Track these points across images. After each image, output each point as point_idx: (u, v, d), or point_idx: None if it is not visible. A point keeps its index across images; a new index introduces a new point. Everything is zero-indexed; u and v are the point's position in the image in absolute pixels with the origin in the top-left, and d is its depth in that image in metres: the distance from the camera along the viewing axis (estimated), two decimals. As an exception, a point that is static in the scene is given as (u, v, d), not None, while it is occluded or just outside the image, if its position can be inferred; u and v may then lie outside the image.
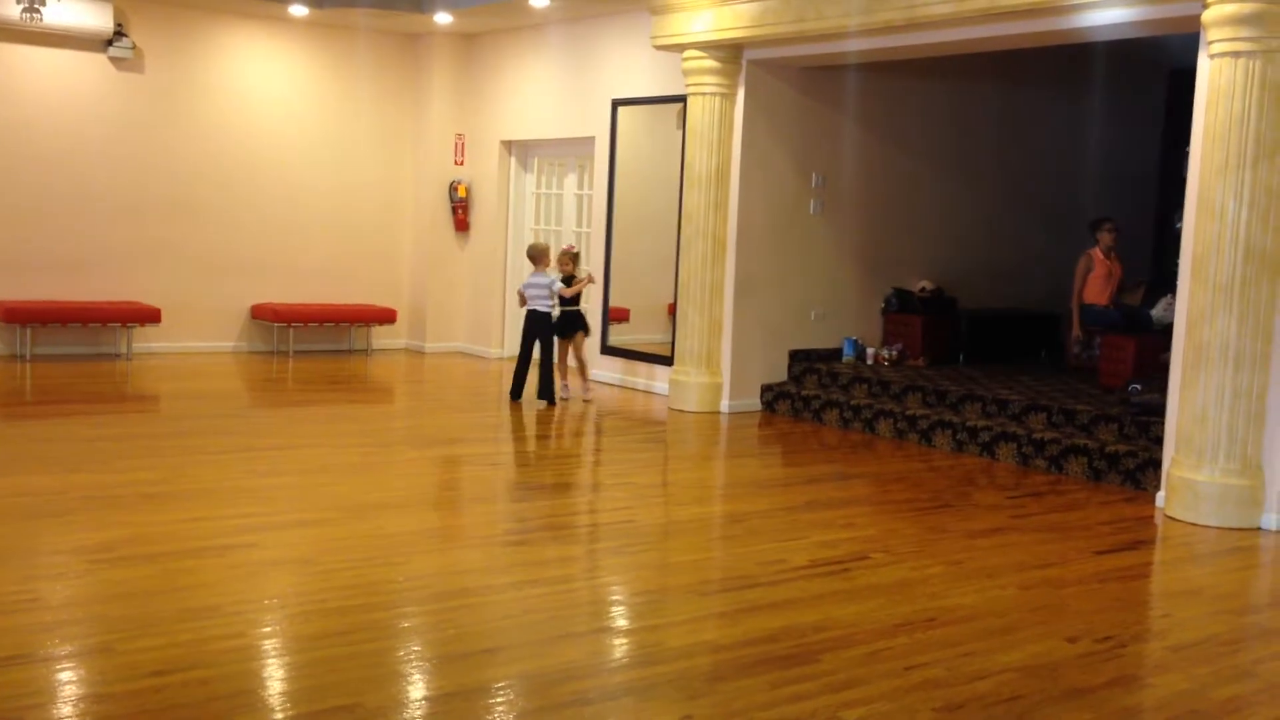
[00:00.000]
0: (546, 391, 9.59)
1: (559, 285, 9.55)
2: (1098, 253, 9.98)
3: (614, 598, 4.98)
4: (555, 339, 9.71)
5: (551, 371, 9.66)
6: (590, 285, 9.96)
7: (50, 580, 4.66)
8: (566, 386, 9.90)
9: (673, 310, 10.07)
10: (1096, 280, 9.92)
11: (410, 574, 5.01)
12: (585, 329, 9.86)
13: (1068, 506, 6.85)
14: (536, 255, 9.67)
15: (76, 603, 4.45)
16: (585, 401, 9.81)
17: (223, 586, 4.67)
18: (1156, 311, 9.27)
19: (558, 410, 9.45)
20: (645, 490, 7.15)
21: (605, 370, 10.89)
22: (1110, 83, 11.40)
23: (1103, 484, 7.42)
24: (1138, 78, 11.69)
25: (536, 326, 9.58)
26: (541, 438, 8.77)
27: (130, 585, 4.63)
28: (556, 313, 9.68)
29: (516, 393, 9.69)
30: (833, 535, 5.92)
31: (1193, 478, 6.49)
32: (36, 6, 7.53)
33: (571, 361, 9.91)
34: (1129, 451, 7.39)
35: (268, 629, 4.29)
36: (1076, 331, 9.97)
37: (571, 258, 9.81)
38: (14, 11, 9.60)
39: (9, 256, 10.68)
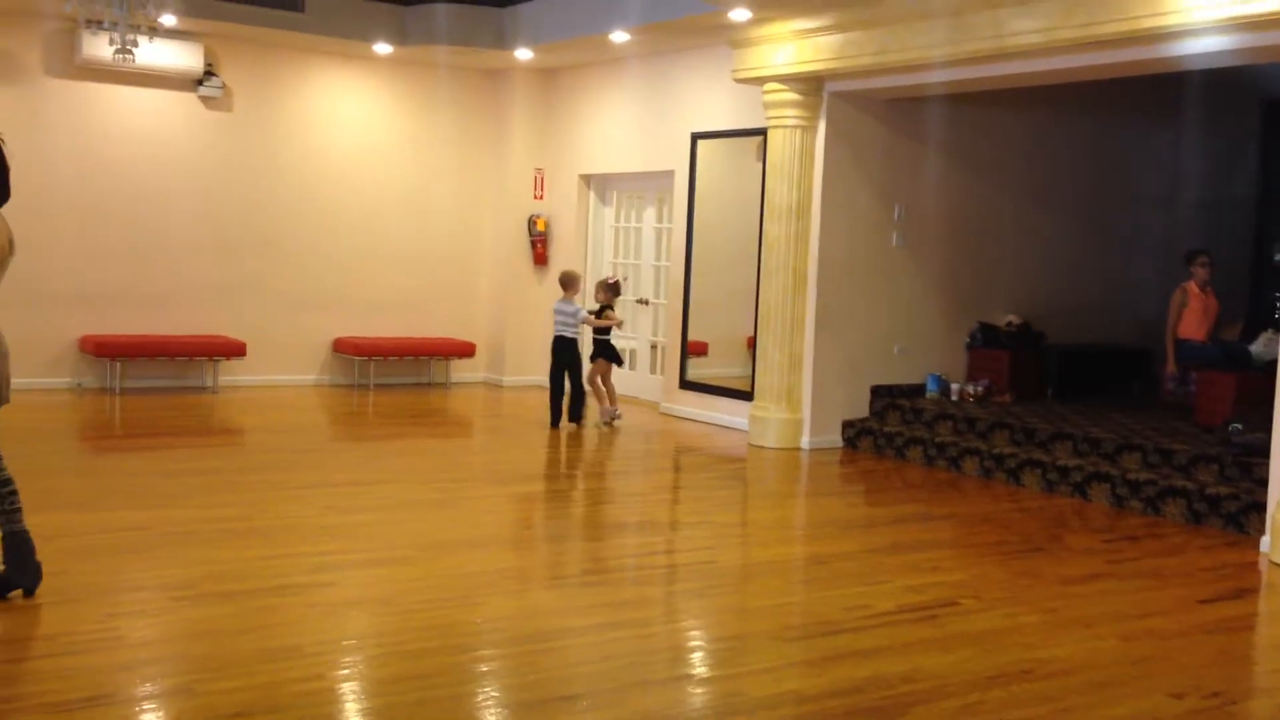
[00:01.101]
0: (576, 414, 9.88)
1: (584, 314, 9.95)
2: (1193, 286, 9.68)
3: (693, 643, 4.85)
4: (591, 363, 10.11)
5: (582, 394, 9.95)
6: (616, 325, 10.22)
7: (131, 618, 4.66)
8: (617, 413, 10.09)
9: (752, 344, 9.95)
10: (1192, 315, 9.62)
11: (488, 615, 4.94)
12: (612, 358, 10.10)
13: (1166, 551, 6.59)
14: (567, 282, 10.05)
15: (157, 641, 4.44)
16: (605, 424, 9.98)
17: (301, 626, 4.64)
18: (1256, 347, 8.95)
19: (638, 446, 9.38)
20: (725, 529, 7.03)
21: (683, 405, 10.80)
22: (1202, 112, 11.09)
23: (1203, 527, 7.14)
24: (1230, 107, 11.37)
25: (562, 352, 9.91)
26: (619, 474, 8.68)
27: (210, 624, 4.62)
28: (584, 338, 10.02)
29: (555, 420, 9.89)
30: (919, 579, 5.74)
31: (1300, 523, 6.20)
32: (129, 48, 7.66)
33: (601, 386, 10.14)
34: (1230, 494, 7.10)
35: (345, 671, 4.24)
36: (1171, 367, 9.66)
37: (607, 288, 10.08)
38: (108, 53, 9.81)
39: (101, 291, 10.90)
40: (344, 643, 4.50)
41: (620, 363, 10.38)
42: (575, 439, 9.70)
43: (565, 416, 9.90)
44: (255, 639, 4.46)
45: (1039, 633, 4.98)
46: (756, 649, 4.70)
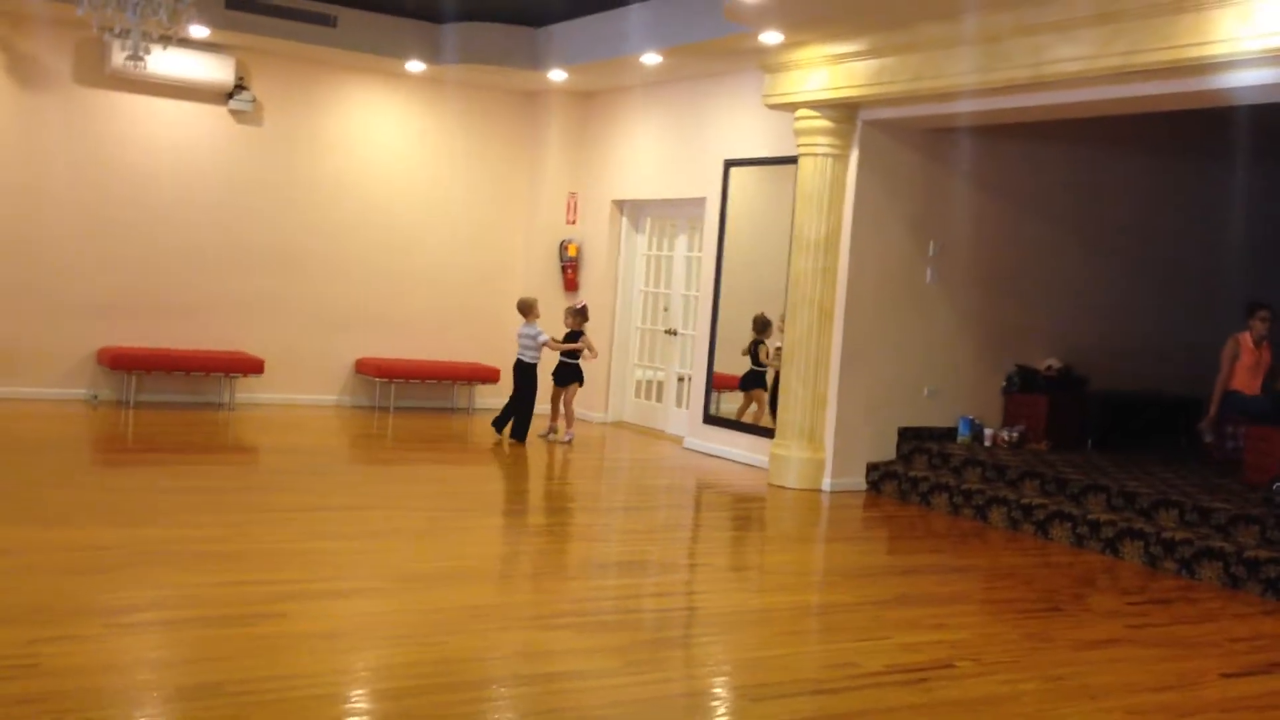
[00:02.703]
0: (518, 432, 10.21)
1: (544, 338, 10.28)
2: (1247, 338, 9.17)
3: (652, 698, 4.45)
4: (554, 384, 10.50)
5: (526, 415, 10.29)
6: (590, 356, 10.55)
7: (56, 644, 4.36)
8: (554, 429, 10.50)
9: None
10: (1244, 367, 9.11)
11: (442, 657, 4.61)
12: (580, 380, 10.49)
13: (1198, 617, 6.10)
14: (525, 308, 10.43)
15: (74, 671, 4.13)
16: (563, 443, 10.34)
17: (233, 661, 4.33)
18: (1311, 401, 8.41)
19: (654, 482, 9.03)
20: (723, 573, 6.65)
21: (707, 440, 10.42)
22: (1267, 150, 10.54)
23: (1240, 593, 6.62)
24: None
25: (520, 374, 10.32)
26: (627, 510, 8.33)
27: (136, 654, 4.34)
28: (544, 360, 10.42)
29: (499, 425, 10.40)
30: (918, 637, 5.32)
31: (1343, 594, 5.69)
32: (140, 54, 7.51)
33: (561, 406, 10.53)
34: (1271, 558, 6.59)
35: (262, 714, 3.92)
36: (1211, 414, 9.15)
37: (575, 314, 10.46)
38: (131, 62, 9.73)
39: (120, 303, 10.79)
40: (272, 682, 4.18)
41: (582, 383, 10.64)
42: (596, 471, 9.38)
43: (509, 432, 10.30)
44: (178, 673, 4.17)
45: (1037, 703, 4.54)
46: (712, 709, 4.33)
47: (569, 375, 10.45)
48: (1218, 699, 4.80)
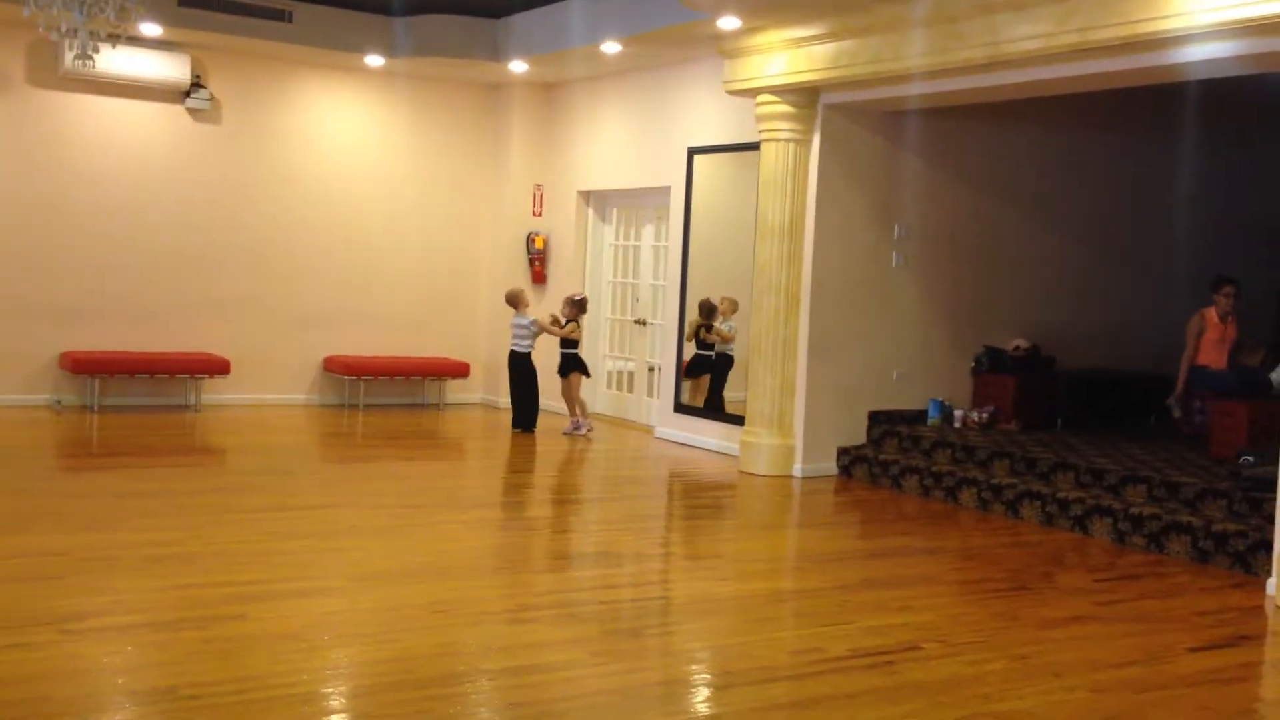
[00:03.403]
0: (526, 421, 10.49)
1: (536, 326, 10.37)
2: (1212, 314, 9.17)
3: (618, 689, 4.41)
4: (559, 375, 10.51)
5: (532, 403, 10.52)
6: (574, 333, 10.50)
7: (6, 652, 4.28)
8: (576, 423, 10.49)
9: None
10: (1209, 343, 9.11)
11: (407, 654, 4.54)
12: (582, 371, 10.48)
13: (1166, 592, 6.10)
14: (514, 299, 10.57)
15: (24, 680, 4.05)
16: (569, 434, 10.38)
17: (187, 664, 4.26)
18: (1277, 375, 8.41)
19: (623, 472, 8.99)
20: (693, 562, 6.61)
21: (677, 429, 10.38)
22: (1230, 127, 10.54)
23: (1208, 566, 6.63)
24: (1261, 121, 10.79)
25: (514, 365, 10.50)
26: (594, 501, 8.29)
27: (87, 661, 4.26)
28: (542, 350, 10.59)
29: (515, 422, 10.56)
30: (884, 620, 5.29)
31: (1308, 564, 5.70)
32: (89, 54, 7.40)
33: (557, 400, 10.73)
34: (1239, 531, 6.59)
35: (217, 717, 3.85)
36: (1179, 391, 9.17)
37: (573, 304, 10.47)
38: (85, 62, 9.59)
39: (82, 306, 10.66)
40: (229, 684, 4.11)
41: (588, 374, 10.65)
42: (565, 463, 9.34)
43: (512, 423, 10.54)
44: (133, 679, 4.10)
45: (1002, 682, 4.52)
46: (680, 698, 4.29)
47: (568, 366, 10.46)
48: (1183, 673, 4.79)
